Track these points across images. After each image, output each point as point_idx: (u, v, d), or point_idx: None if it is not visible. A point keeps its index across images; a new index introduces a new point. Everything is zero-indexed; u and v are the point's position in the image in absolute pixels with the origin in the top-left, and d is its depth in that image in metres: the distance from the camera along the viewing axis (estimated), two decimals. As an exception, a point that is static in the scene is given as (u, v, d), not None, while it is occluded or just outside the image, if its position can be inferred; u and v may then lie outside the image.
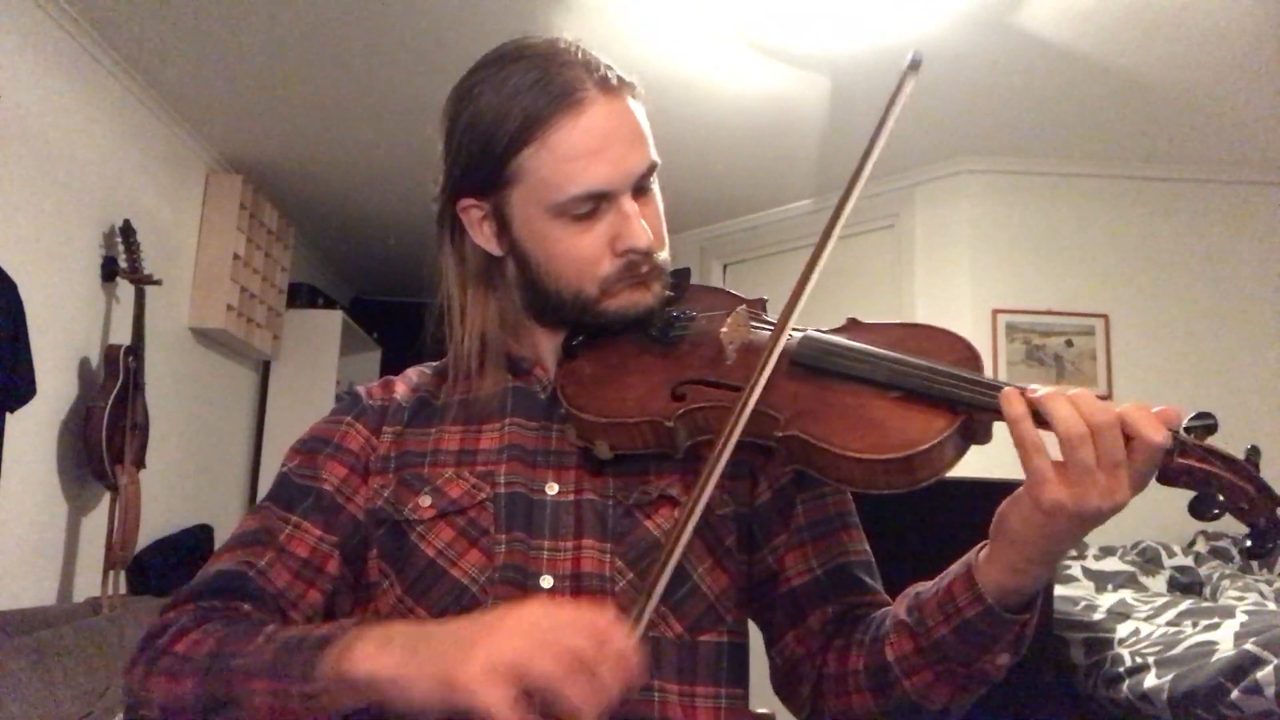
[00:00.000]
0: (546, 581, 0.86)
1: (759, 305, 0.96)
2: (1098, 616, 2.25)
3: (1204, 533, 3.10)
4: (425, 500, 0.90)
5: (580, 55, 0.90)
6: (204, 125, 3.45)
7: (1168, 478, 0.72)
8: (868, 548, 0.97)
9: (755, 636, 0.98)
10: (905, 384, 0.79)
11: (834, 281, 3.82)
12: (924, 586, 0.85)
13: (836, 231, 0.88)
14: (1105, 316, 3.46)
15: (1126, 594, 2.47)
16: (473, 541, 0.88)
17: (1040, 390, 0.73)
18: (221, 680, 0.76)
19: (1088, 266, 3.51)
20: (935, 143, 3.38)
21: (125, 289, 3.05)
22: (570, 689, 0.62)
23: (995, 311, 3.44)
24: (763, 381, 0.80)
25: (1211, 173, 3.51)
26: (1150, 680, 1.89)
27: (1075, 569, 2.73)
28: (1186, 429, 0.73)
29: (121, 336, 3.02)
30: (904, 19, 2.61)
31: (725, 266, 4.28)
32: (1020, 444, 0.72)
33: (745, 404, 0.79)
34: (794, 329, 0.87)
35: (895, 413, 0.78)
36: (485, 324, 0.96)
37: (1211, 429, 0.73)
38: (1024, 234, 3.52)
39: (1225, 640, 1.84)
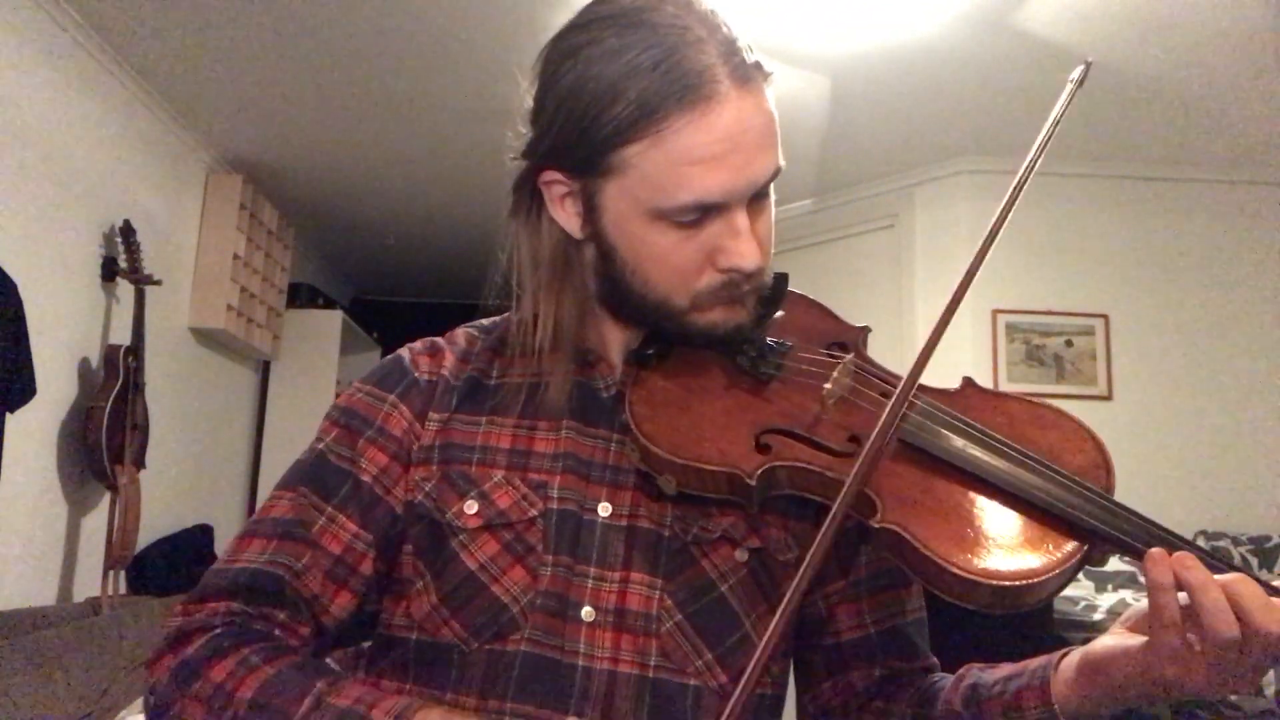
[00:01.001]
0: (588, 614, 0.79)
1: (861, 337, 0.87)
2: (1098, 616, 2.25)
3: (1204, 532, 3.10)
4: (471, 506, 0.82)
5: (719, 32, 0.76)
6: (204, 125, 3.45)
7: None
8: (923, 604, 0.90)
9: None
10: (1031, 497, 0.69)
11: (834, 281, 3.83)
12: (984, 677, 0.78)
13: (965, 296, 0.78)
14: (1105, 316, 3.46)
15: (1126, 594, 2.47)
16: (518, 558, 0.81)
17: (1193, 570, 0.63)
18: None
19: (1088, 266, 3.51)
20: (935, 143, 3.38)
21: (125, 289, 3.05)
22: None
23: (995, 311, 3.44)
24: (869, 466, 0.71)
25: (1211, 173, 3.51)
26: (1150, 680, 1.88)
27: (1075, 569, 2.72)
28: None
29: (121, 336, 3.02)
30: (904, 19, 2.61)
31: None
32: (1154, 614, 0.64)
33: (850, 490, 0.70)
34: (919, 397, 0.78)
35: (1014, 528, 0.69)
36: (562, 312, 0.85)
37: None
38: (1024, 234, 3.52)
39: (1225, 640, 1.84)
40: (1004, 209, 0.78)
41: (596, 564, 0.81)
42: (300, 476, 0.86)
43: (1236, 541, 3.04)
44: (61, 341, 2.78)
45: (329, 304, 4.57)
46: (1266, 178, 3.52)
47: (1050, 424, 0.76)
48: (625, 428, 0.81)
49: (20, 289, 2.40)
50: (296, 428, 4.20)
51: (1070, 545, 0.67)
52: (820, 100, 3.08)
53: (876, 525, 0.70)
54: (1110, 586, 2.63)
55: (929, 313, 3.54)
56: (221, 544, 3.77)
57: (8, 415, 2.36)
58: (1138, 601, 2.40)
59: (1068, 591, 2.49)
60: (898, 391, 0.74)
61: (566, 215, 0.83)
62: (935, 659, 0.90)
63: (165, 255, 3.34)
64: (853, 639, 0.87)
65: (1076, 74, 0.83)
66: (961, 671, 0.82)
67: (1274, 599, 0.62)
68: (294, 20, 2.70)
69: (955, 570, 0.67)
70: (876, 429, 0.71)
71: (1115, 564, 2.77)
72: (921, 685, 0.84)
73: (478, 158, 3.50)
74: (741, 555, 0.82)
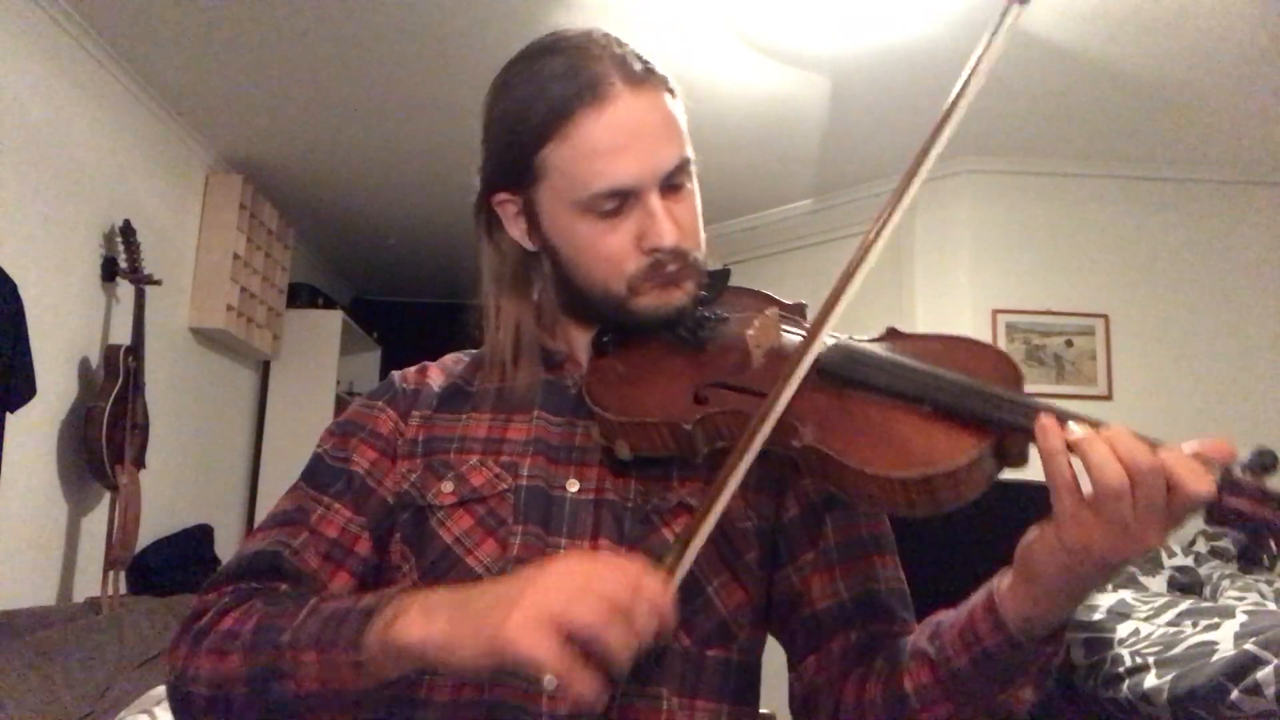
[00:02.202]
0: None
1: (797, 310, 0.93)
2: (1098, 616, 2.25)
3: (1204, 532, 3.10)
4: (448, 486, 0.90)
5: (612, 48, 0.88)
6: (204, 125, 3.45)
7: (1216, 519, 0.66)
8: (901, 576, 0.93)
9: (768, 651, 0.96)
10: (935, 399, 0.74)
11: (834, 281, 3.82)
12: (945, 614, 0.82)
13: (886, 234, 0.85)
14: (1105, 316, 3.46)
15: (1126, 594, 2.47)
16: (490, 531, 0.88)
17: (1078, 431, 0.68)
18: (269, 654, 0.77)
19: (1088, 266, 3.51)
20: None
21: (125, 289, 3.05)
22: (608, 634, 0.64)
23: (995, 311, 3.44)
24: (789, 390, 0.76)
25: (1211, 173, 3.51)
26: (1150, 680, 1.88)
27: (1075, 569, 2.72)
28: (1242, 467, 0.66)
29: (121, 336, 3.02)
30: (904, 19, 2.61)
31: (725, 267, 4.27)
32: (1051, 479, 0.68)
33: (769, 411, 0.76)
34: (828, 335, 0.83)
35: (921, 429, 0.73)
36: (520, 318, 0.95)
37: (1270, 468, 0.66)
38: (1024, 234, 3.52)
39: (1225, 640, 1.84)
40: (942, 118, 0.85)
41: (568, 535, 0.87)
42: (302, 477, 0.96)
43: (1237, 542, 3.04)
44: (61, 341, 2.78)
45: (329, 304, 4.57)
46: (1266, 178, 3.52)
47: (961, 348, 0.82)
48: (588, 410, 0.89)
49: (20, 289, 2.40)
50: (296, 428, 4.20)
51: (974, 437, 0.71)
52: (820, 100, 3.09)
53: (799, 446, 0.76)
54: (1110, 586, 2.63)
55: (929, 313, 3.54)
56: (221, 544, 3.77)
57: (8, 415, 2.36)
58: (1138, 601, 2.39)
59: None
60: (815, 319, 0.81)
61: (519, 231, 0.94)
62: (917, 626, 0.89)
63: (165, 255, 3.34)
64: (827, 606, 0.90)
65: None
66: (930, 617, 0.84)
67: (1147, 444, 0.66)
68: (294, 20, 2.70)
69: (870, 472, 0.72)
70: (794, 357, 0.78)
71: (1115, 564, 2.77)
72: (899, 645, 0.86)
73: (478, 158, 3.50)
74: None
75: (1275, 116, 3.11)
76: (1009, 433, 0.71)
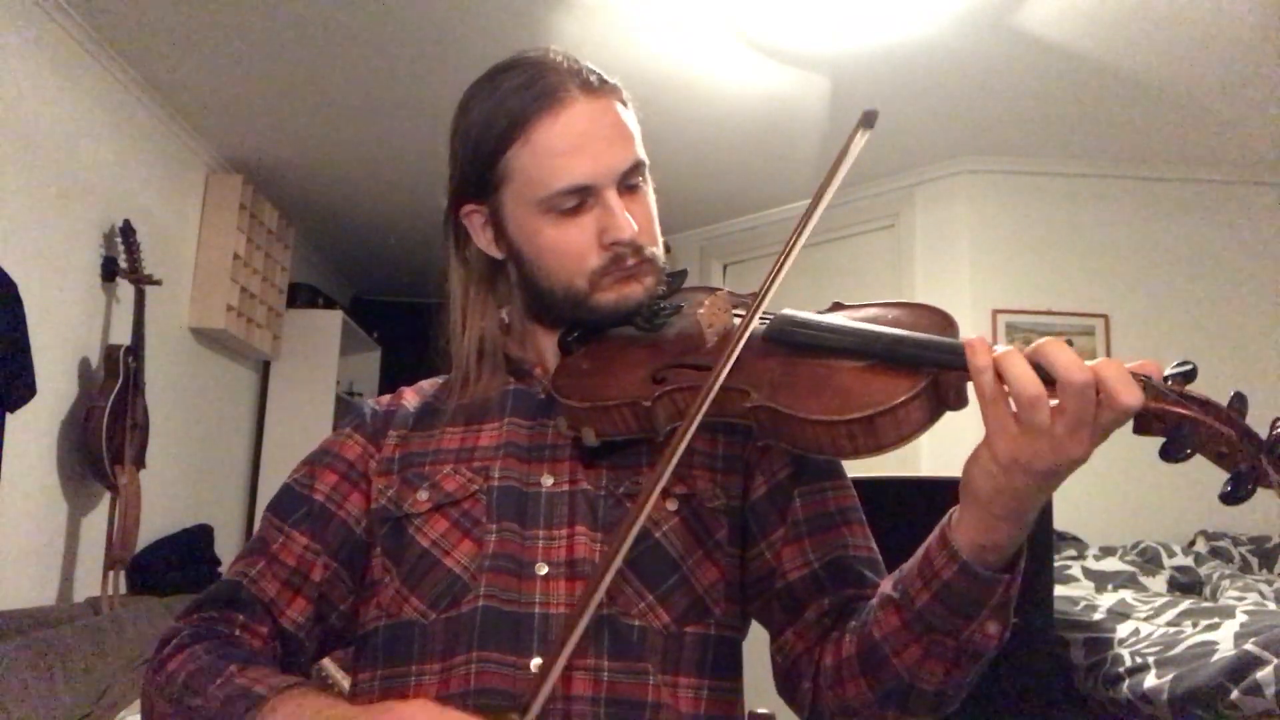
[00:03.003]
0: (542, 569, 0.88)
1: (750, 298, 0.95)
2: (1098, 616, 2.25)
3: (1204, 533, 3.10)
4: (423, 494, 0.93)
5: (568, 63, 0.94)
6: (204, 125, 3.45)
7: (1140, 427, 0.69)
8: (873, 545, 0.96)
9: (755, 637, 0.97)
10: (872, 350, 0.79)
11: (834, 281, 3.82)
12: (908, 562, 0.84)
13: (810, 225, 0.89)
14: (1105, 316, 3.46)
15: (1126, 594, 2.47)
16: (465, 532, 0.91)
17: (1000, 349, 0.71)
18: (184, 715, 0.83)
19: (1088, 266, 3.51)
20: (935, 143, 3.38)
21: (125, 289, 3.05)
22: None
23: (995, 311, 3.44)
24: (734, 356, 0.81)
25: (1211, 173, 3.51)
26: (1150, 680, 1.89)
27: (1075, 569, 2.73)
28: (1165, 378, 0.70)
29: (121, 336, 3.02)
30: (904, 19, 2.61)
31: (725, 266, 4.28)
32: (980, 395, 0.71)
33: (716, 377, 0.80)
34: (772, 313, 0.88)
35: (862, 378, 0.78)
36: (484, 326, 1.00)
37: (1190, 376, 0.71)
38: (1024, 234, 3.52)
39: (1225, 640, 1.84)
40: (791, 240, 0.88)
41: (544, 526, 0.90)
42: (268, 507, 1.01)
43: (1236, 541, 3.04)
44: (61, 341, 2.78)
45: (329, 304, 4.57)
46: (1266, 178, 3.52)
47: (901, 309, 0.87)
48: (557, 409, 0.93)
49: (20, 289, 2.40)
50: (296, 428, 4.20)
51: (911, 379, 0.75)
52: (820, 100, 3.08)
53: (749, 406, 0.80)
54: (1110, 586, 2.63)
55: (929, 313, 3.54)
56: (221, 544, 3.77)
57: (8, 415, 2.36)
58: (1138, 601, 2.39)
59: (1068, 592, 2.49)
60: (758, 293, 0.85)
61: (486, 241, 0.98)
62: None
63: (165, 255, 3.34)
64: (800, 576, 0.92)
65: (861, 115, 0.92)
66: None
67: (1075, 357, 0.68)
68: (294, 21, 2.70)
69: (815, 418, 0.77)
70: (740, 327, 0.83)
71: (1115, 564, 2.77)
72: (869, 604, 0.87)
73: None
74: (672, 505, 0.91)
75: (1275, 116, 3.11)
76: (943, 372, 0.75)
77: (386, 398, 1.06)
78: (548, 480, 0.93)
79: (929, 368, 0.76)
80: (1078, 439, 0.68)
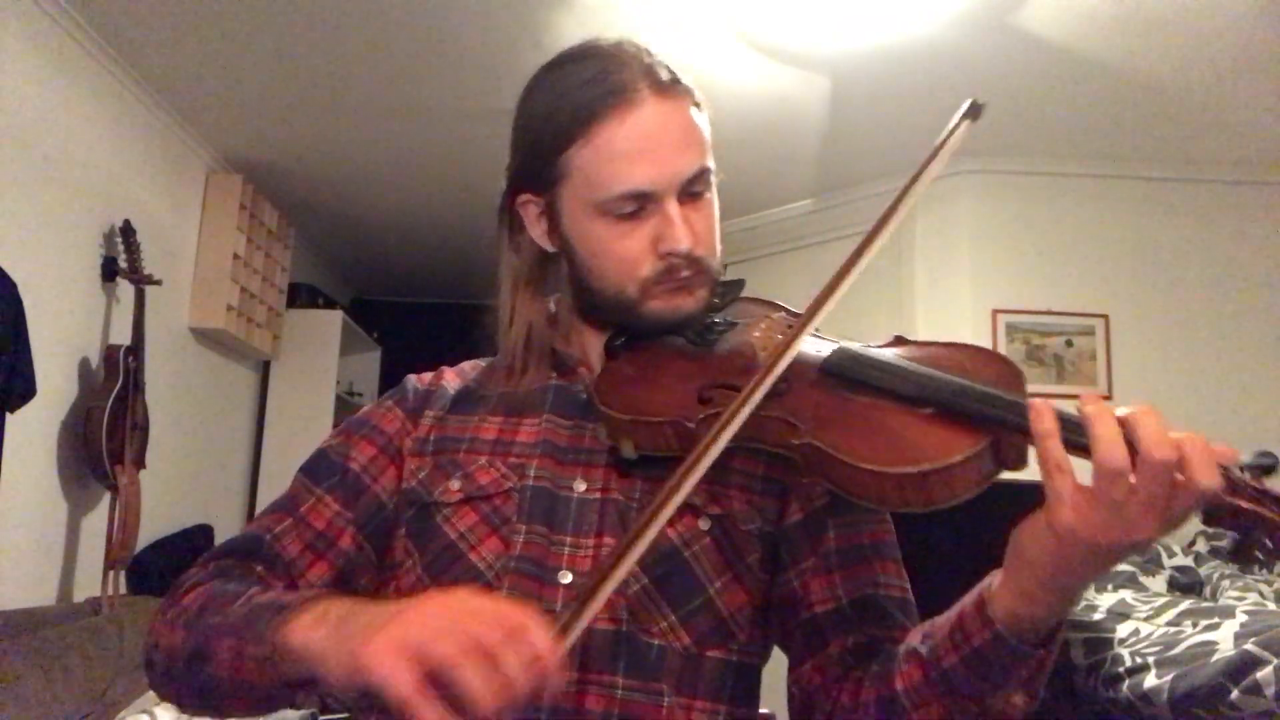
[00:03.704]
0: (565, 577, 0.85)
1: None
2: (1098, 616, 2.25)
3: (1204, 533, 3.10)
4: (455, 484, 0.91)
5: (642, 57, 0.91)
6: (204, 125, 3.45)
7: (1211, 517, 0.64)
8: (905, 585, 0.92)
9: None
10: (933, 399, 0.74)
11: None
12: (940, 617, 0.80)
13: (880, 239, 0.87)
14: (1105, 316, 3.46)
15: (1126, 594, 2.47)
16: (493, 529, 0.88)
17: (1089, 406, 0.65)
18: (200, 634, 0.80)
19: (1088, 266, 3.51)
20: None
21: (125, 289, 3.05)
22: (468, 675, 0.60)
23: (995, 311, 3.44)
24: (772, 378, 0.77)
25: (1211, 173, 3.51)
26: (1150, 680, 1.89)
27: (1075, 569, 2.72)
28: (1242, 467, 0.65)
29: (121, 336, 3.02)
30: (904, 19, 2.61)
31: (725, 266, 4.27)
32: (1042, 461, 0.67)
33: (754, 389, 0.76)
34: (830, 338, 0.85)
35: (918, 428, 0.74)
36: (532, 319, 0.97)
37: (1270, 469, 0.66)
38: (1024, 234, 3.52)
39: (1225, 640, 1.84)
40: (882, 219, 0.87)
41: (573, 533, 0.88)
42: (301, 469, 0.98)
43: (1232, 540, 3.03)
44: (61, 341, 2.78)
45: (329, 304, 4.57)
46: (1266, 178, 3.51)
47: (966, 354, 0.82)
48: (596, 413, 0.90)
49: (20, 289, 2.40)
50: (296, 428, 4.20)
51: (971, 436, 0.72)
52: (820, 100, 3.08)
53: (797, 443, 0.77)
54: (1110, 586, 2.63)
55: (929, 313, 3.54)
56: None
57: (8, 415, 2.36)
58: (1138, 601, 2.39)
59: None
60: (804, 313, 0.81)
61: (540, 232, 0.95)
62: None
63: (165, 255, 3.34)
64: (826, 610, 0.89)
65: (964, 108, 0.93)
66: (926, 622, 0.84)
67: (1164, 427, 0.63)
68: (294, 20, 2.70)
69: (865, 467, 0.72)
70: (782, 346, 0.78)
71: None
72: (895, 648, 0.84)
73: (478, 158, 3.50)
74: (704, 524, 0.88)
75: (1275, 116, 3.11)
76: (1005, 432, 0.71)
77: (429, 375, 1.04)
78: (580, 486, 0.90)
79: (991, 426, 0.71)
80: (1147, 519, 0.63)
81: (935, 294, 3.56)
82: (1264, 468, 0.66)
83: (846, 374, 0.81)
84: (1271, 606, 2.21)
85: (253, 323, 3.88)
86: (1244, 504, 0.63)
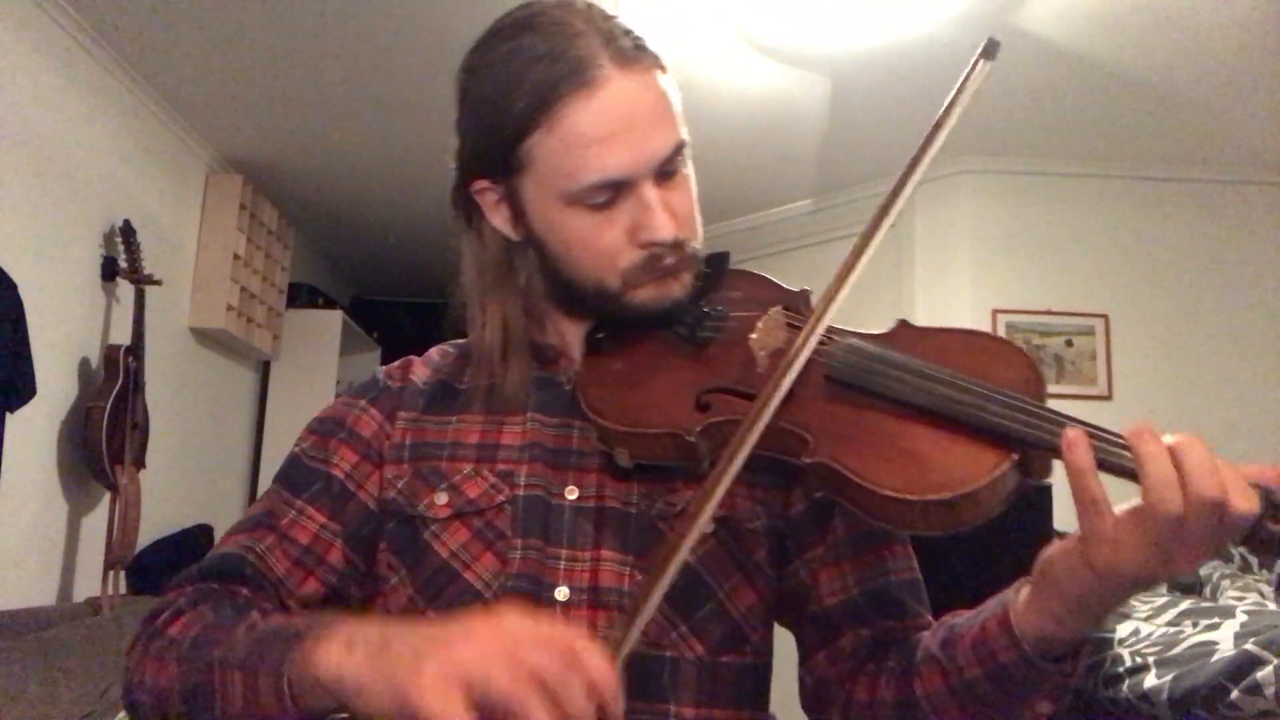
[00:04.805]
0: (562, 593, 0.81)
1: (801, 300, 0.88)
2: (1098, 616, 2.25)
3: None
4: (441, 498, 0.85)
5: (597, 22, 0.81)
6: (204, 125, 3.45)
7: (1252, 544, 0.61)
8: (914, 565, 0.89)
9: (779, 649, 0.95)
10: (954, 411, 0.69)
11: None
12: (960, 619, 0.78)
13: (884, 228, 0.80)
14: (1105, 316, 3.46)
15: (1126, 594, 2.47)
16: (488, 545, 0.83)
17: (1124, 439, 0.62)
18: (202, 670, 0.73)
19: (1088, 266, 3.51)
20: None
21: (125, 289, 3.05)
22: (528, 708, 0.57)
23: (995, 311, 3.44)
24: (780, 394, 0.71)
25: (1211, 173, 3.51)
26: (1150, 680, 1.88)
27: (1075, 569, 2.72)
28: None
29: (121, 336, 3.01)
30: (904, 19, 2.61)
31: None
32: (1078, 498, 0.63)
33: (759, 419, 0.70)
34: (836, 333, 0.79)
35: (941, 445, 0.68)
36: (506, 313, 0.89)
37: None
38: (1024, 234, 3.52)
39: (1225, 640, 1.84)
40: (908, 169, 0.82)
41: (568, 545, 0.83)
42: (276, 478, 0.92)
43: (1236, 542, 3.03)
44: (61, 341, 2.78)
45: (329, 304, 4.56)
46: (1266, 178, 3.51)
47: (980, 348, 0.76)
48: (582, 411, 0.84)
49: (20, 289, 2.40)
50: (296, 428, 4.00)
51: (997, 454, 0.67)
52: (820, 100, 3.08)
53: (808, 461, 0.71)
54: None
55: (929, 312, 3.54)
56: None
57: (8, 415, 2.36)
58: (1138, 601, 2.39)
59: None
60: (811, 319, 0.75)
61: (501, 220, 0.87)
62: (930, 618, 0.87)
63: (165, 255, 3.34)
64: (837, 602, 0.86)
65: (982, 46, 0.86)
66: (945, 619, 0.81)
67: (1211, 458, 0.60)
68: (294, 20, 2.70)
69: (886, 493, 0.67)
70: (789, 359, 0.72)
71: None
72: (911, 643, 0.82)
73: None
74: (708, 527, 0.82)
75: (1275, 116, 3.11)
76: (1035, 450, 0.67)
77: (397, 369, 0.96)
78: (573, 492, 0.84)
79: (1019, 444, 0.67)
80: (1192, 554, 0.61)
81: (935, 294, 3.56)
82: None
83: (858, 382, 0.75)
84: (1271, 606, 2.21)
85: (253, 323, 3.87)
86: None
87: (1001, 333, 3.41)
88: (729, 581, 0.84)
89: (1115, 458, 0.63)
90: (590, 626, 0.80)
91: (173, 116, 3.32)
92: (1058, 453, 0.65)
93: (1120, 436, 0.64)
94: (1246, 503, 0.59)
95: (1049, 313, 3.45)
